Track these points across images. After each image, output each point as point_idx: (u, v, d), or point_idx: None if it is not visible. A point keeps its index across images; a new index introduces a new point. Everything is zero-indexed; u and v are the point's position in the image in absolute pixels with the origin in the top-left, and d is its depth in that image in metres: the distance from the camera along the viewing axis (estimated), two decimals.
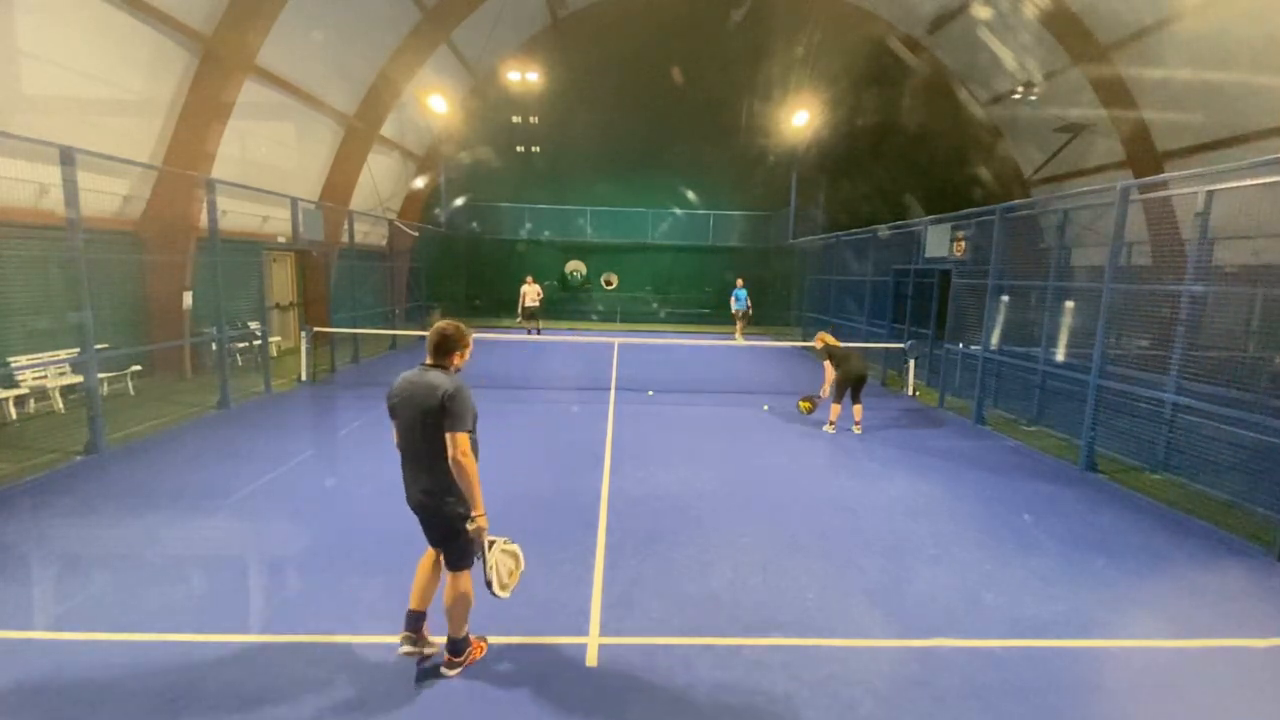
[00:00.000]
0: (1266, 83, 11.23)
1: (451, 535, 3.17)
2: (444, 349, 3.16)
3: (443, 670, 3.29)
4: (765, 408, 9.87)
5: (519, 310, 18.21)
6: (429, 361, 3.17)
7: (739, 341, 17.08)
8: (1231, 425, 5.81)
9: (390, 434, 3.24)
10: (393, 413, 3.17)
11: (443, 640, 3.35)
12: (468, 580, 3.27)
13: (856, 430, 8.35)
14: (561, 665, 3.42)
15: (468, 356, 3.28)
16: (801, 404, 9.06)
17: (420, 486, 3.14)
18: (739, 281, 18.60)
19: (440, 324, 3.22)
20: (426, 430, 3.03)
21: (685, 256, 23.74)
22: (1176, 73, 12.90)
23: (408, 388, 3.10)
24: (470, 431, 3.07)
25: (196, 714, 2.99)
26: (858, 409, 8.37)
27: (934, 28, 18.86)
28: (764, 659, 3.52)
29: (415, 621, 3.34)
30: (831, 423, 8.52)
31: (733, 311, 18.48)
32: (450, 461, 2.99)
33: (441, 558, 3.29)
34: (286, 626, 3.68)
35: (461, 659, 3.32)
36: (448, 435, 2.98)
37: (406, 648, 3.30)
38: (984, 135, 19.96)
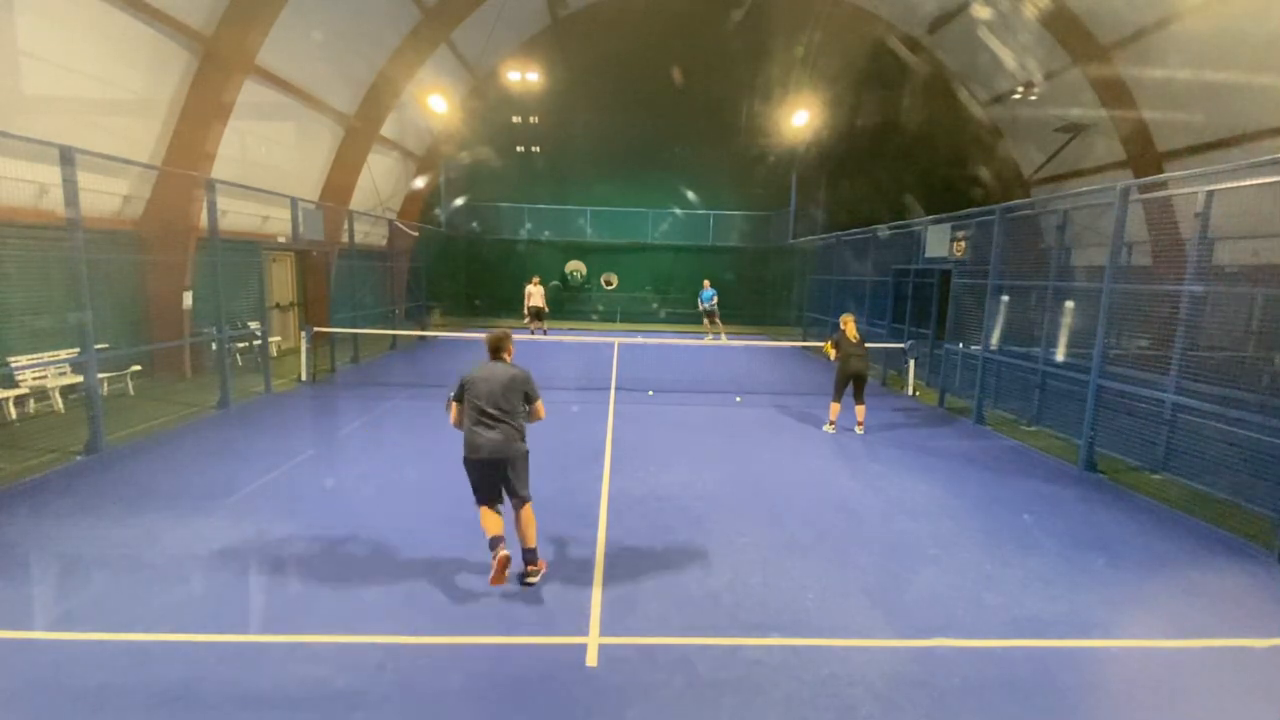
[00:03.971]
0: (1266, 83, 11.21)
1: (522, 468, 4.23)
2: (502, 347, 4.38)
3: (528, 578, 4.20)
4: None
5: (525, 310, 18.24)
6: (491, 356, 4.35)
7: (722, 340, 16.95)
8: (1231, 425, 5.81)
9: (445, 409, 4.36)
10: (472, 386, 4.17)
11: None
12: (531, 506, 4.30)
13: (859, 430, 8.35)
14: (561, 665, 3.42)
15: (513, 351, 4.47)
16: (827, 346, 8.58)
17: (498, 434, 4.11)
18: (705, 283, 18.42)
19: (497, 331, 4.44)
20: (508, 396, 4.15)
21: (685, 256, 23.71)
22: (1176, 73, 12.88)
23: (487, 370, 4.22)
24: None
25: (196, 714, 2.99)
26: (860, 410, 8.36)
27: (934, 28, 18.84)
28: (764, 659, 3.52)
29: (498, 542, 4.14)
30: (831, 422, 8.52)
31: (708, 310, 18.22)
32: (532, 417, 4.32)
33: (510, 499, 4.24)
34: (286, 626, 3.69)
35: (538, 566, 4.27)
36: (535, 402, 4.28)
37: (504, 552, 4.04)
38: (984, 135, 19.92)
